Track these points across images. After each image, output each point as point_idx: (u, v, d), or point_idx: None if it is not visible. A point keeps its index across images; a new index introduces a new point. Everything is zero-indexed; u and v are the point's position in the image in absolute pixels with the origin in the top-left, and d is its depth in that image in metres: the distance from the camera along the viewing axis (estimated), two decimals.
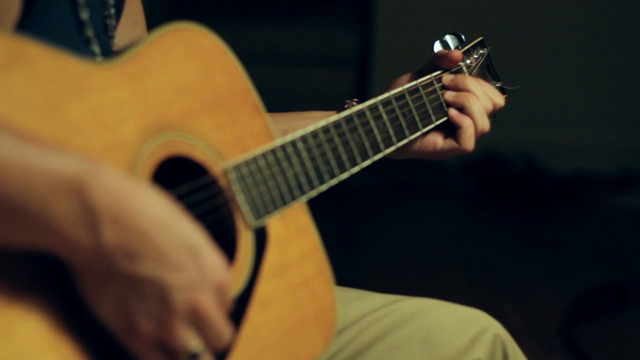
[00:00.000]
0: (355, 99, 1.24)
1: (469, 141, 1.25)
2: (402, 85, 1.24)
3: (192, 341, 0.87)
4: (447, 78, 1.27)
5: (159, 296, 0.85)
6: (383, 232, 3.70)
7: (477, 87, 1.26)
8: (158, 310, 0.85)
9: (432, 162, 1.24)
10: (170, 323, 0.86)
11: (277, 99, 1.58)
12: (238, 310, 0.99)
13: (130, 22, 1.19)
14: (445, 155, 1.27)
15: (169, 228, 0.85)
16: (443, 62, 1.28)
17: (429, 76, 1.27)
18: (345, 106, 1.24)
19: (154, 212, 0.84)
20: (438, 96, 1.26)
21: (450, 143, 1.26)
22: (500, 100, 1.28)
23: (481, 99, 1.25)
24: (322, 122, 1.10)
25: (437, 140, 1.27)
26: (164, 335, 0.86)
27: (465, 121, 1.25)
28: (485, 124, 1.26)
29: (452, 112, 1.26)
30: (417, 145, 1.27)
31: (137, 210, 0.83)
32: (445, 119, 1.26)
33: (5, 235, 0.83)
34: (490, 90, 1.28)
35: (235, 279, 0.99)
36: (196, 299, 0.86)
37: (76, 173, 0.82)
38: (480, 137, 1.27)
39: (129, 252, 0.83)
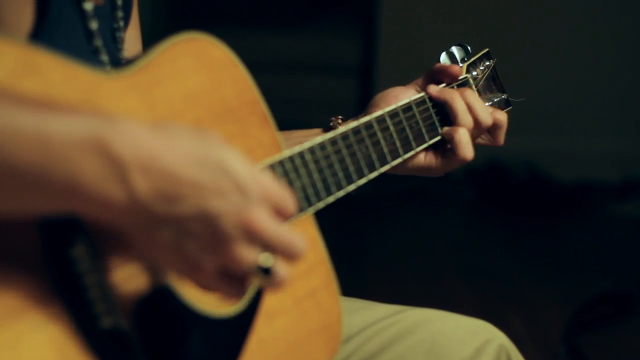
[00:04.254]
0: (340, 116, 1.24)
1: (465, 149, 1.24)
2: (390, 97, 1.24)
3: (259, 257, 0.86)
4: (433, 89, 1.26)
5: (208, 229, 0.84)
6: (386, 241, 3.70)
7: (460, 102, 1.24)
8: (213, 242, 0.84)
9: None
10: (229, 250, 0.84)
11: (281, 107, 1.58)
12: (244, 322, 1.00)
13: (130, 34, 1.20)
14: (445, 169, 1.27)
15: (197, 160, 0.84)
16: (443, 77, 1.28)
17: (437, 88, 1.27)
18: (331, 124, 1.24)
19: (178, 149, 0.83)
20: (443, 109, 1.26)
21: (449, 156, 1.26)
22: (488, 119, 1.25)
23: (461, 116, 1.24)
24: (329, 134, 1.10)
25: (436, 157, 1.27)
26: (229, 263, 0.85)
27: (455, 135, 1.24)
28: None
29: (444, 129, 1.25)
30: (417, 162, 1.27)
31: (161, 152, 0.82)
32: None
33: (37, 204, 0.82)
34: (479, 107, 1.25)
35: None
36: (246, 218, 0.84)
37: (94, 130, 0.81)
38: (461, 165, 1.27)
39: (165, 195, 0.82)
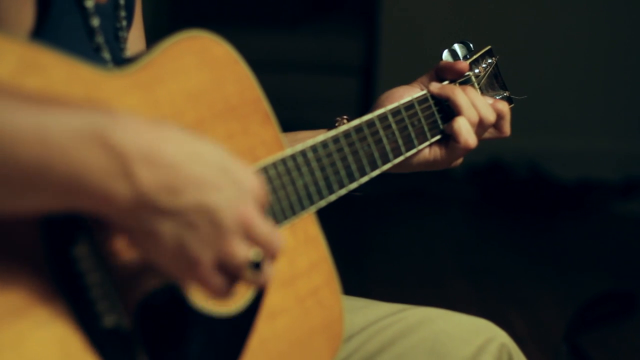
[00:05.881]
0: (346, 116, 1.24)
1: (467, 136, 1.23)
2: (395, 96, 1.24)
3: (250, 252, 0.88)
4: (435, 86, 1.25)
5: (209, 221, 0.85)
6: (388, 240, 3.70)
7: (462, 97, 1.24)
8: (212, 234, 0.86)
9: (437, 170, 1.24)
10: (227, 242, 0.87)
11: (283, 106, 1.58)
12: (246, 321, 0.99)
13: (133, 34, 1.20)
14: (450, 160, 1.27)
15: (197, 155, 0.85)
16: (448, 74, 1.28)
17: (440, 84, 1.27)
18: (336, 124, 1.24)
19: (179, 144, 0.85)
20: (446, 106, 1.26)
21: (452, 145, 1.26)
22: (491, 115, 1.25)
23: (465, 111, 1.23)
24: (332, 132, 1.10)
25: (440, 149, 1.26)
26: (224, 256, 0.87)
27: (454, 124, 1.24)
28: (470, 139, 1.23)
29: (445, 125, 1.25)
30: (422, 156, 1.26)
31: (163, 145, 0.84)
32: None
33: (38, 202, 0.82)
34: (482, 105, 1.25)
35: (243, 290, 0.99)
36: (241, 212, 0.87)
37: (94, 123, 0.81)
38: (465, 154, 1.26)
39: (168, 187, 0.84)
